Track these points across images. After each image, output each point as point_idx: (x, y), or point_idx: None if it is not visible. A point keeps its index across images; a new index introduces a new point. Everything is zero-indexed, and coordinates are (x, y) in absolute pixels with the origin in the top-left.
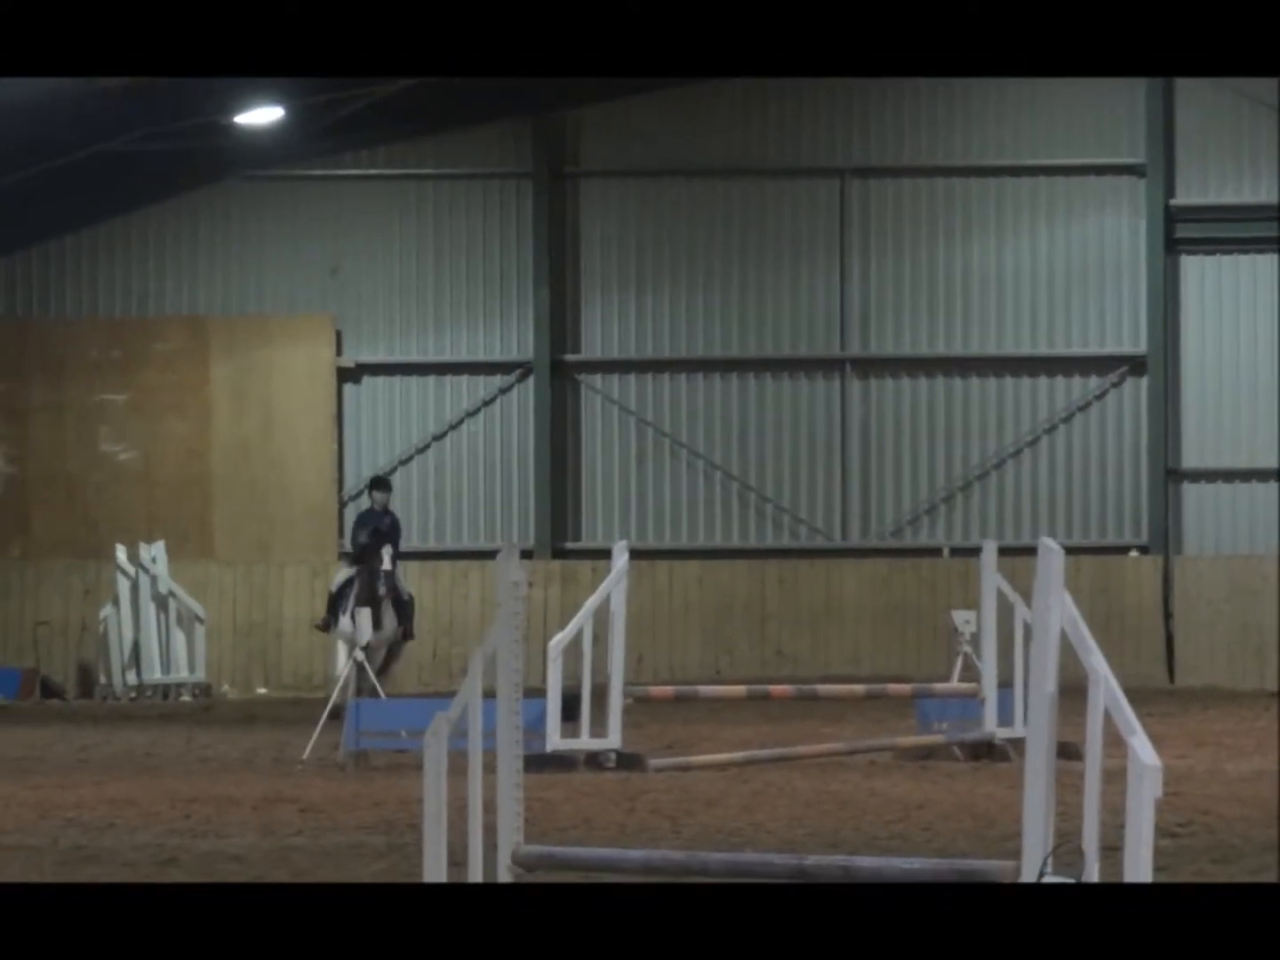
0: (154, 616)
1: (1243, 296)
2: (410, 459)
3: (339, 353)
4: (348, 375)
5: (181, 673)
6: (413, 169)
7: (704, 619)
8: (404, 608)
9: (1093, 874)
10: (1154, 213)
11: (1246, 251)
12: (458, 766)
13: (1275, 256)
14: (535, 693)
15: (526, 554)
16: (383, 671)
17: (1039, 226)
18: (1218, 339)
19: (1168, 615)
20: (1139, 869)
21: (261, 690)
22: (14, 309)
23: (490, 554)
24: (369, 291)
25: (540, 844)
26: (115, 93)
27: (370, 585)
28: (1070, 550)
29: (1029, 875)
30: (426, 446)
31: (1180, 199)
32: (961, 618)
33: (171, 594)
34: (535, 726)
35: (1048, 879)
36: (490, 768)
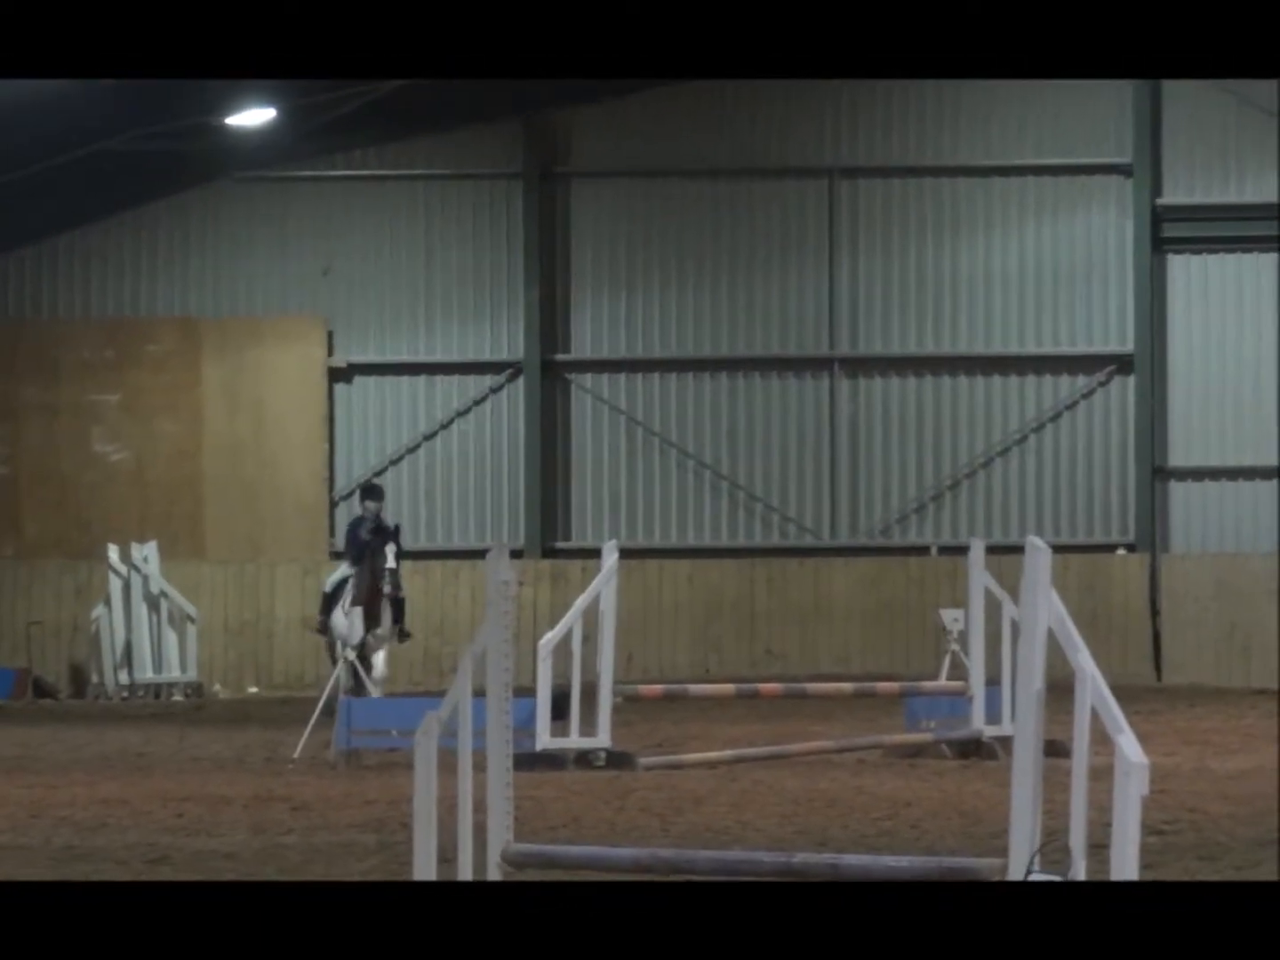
0: (146, 616)
1: (1229, 296)
2: (401, 458)
3: (330, 353)
4: (339, 375)
5: (173, 672)
6: (403, 170)
7: (693, 618)
8: (400, 606)
9: (1079, 871)
10: (1141, 212)
11: (1233, 251)
12: (448, 765)
13: (1261, 256)
14: (525, 691)
15: (516, 553)
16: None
17: (1026, 226)
18: (1204, 338)
19: (1155, 613)
20: (1125, 866)
21: (253, 689)
22: (7, 309)
23: (480, 553)
24: (360, 292)
25: (530, 842)
26: (107, 94)
27: (372, 584)
28: (1058, 548)
29: (1016, 873)
30: (417, 446)
31: (1167, 198)
32: (950, 616)
33: (163, 594)
34: (525, 725)
35: (1035, 876)
36: (480, 766)
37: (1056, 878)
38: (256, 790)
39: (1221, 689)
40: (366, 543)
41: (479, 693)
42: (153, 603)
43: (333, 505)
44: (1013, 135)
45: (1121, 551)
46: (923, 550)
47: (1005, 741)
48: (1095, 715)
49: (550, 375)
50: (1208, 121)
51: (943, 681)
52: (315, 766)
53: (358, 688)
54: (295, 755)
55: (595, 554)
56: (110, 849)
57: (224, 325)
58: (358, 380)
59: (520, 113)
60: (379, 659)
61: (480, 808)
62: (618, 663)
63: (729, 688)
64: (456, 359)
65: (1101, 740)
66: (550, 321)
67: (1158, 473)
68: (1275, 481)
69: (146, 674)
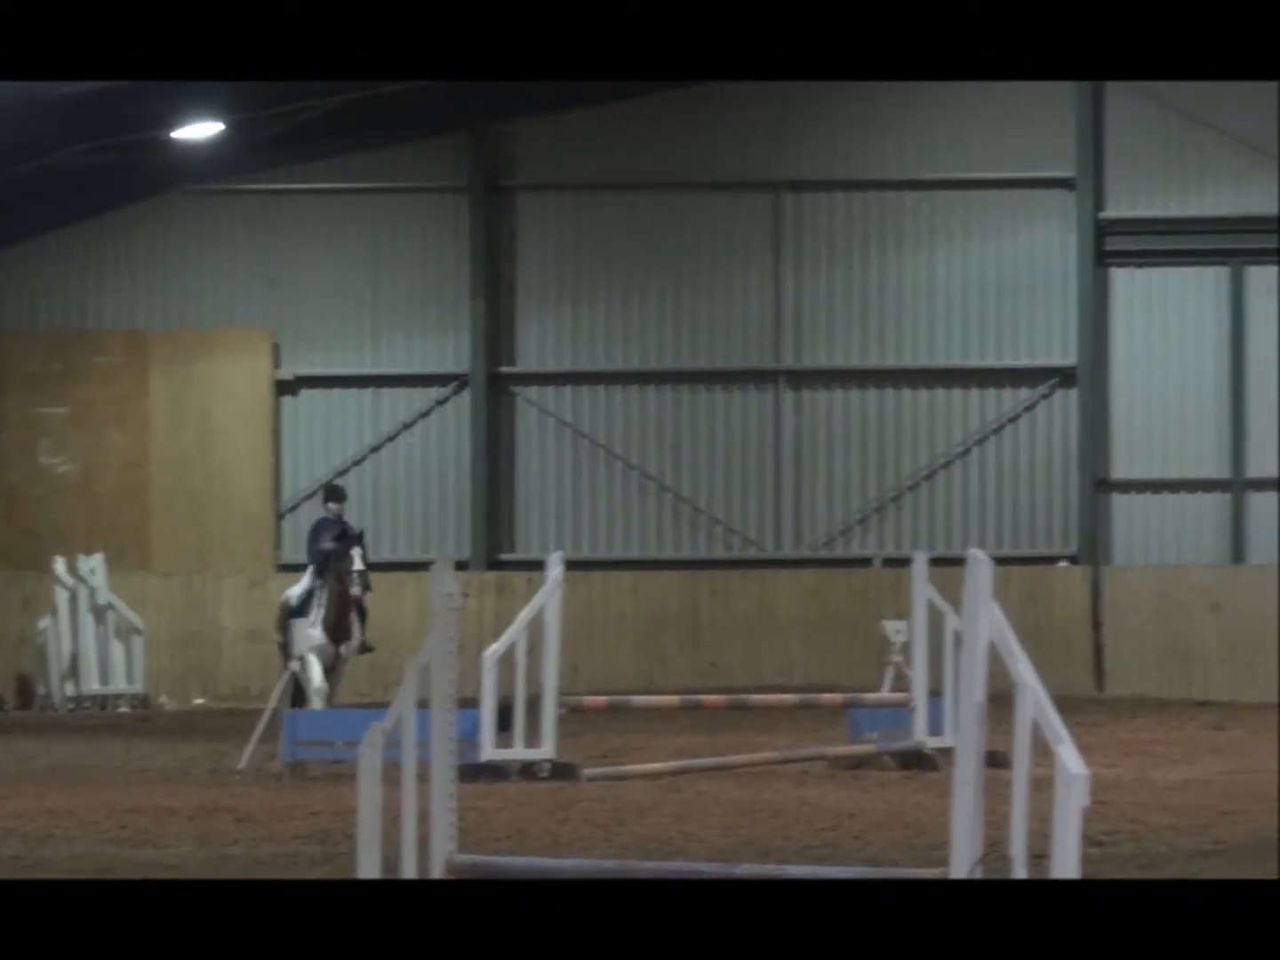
0: (92, 628)
1: (1171, 309)
2: (347, 470)
3: (277, 365)
4: (285, 388)
5: (120, 684)
6: (350, 183)
7: (637, 629)
8: (363, 617)
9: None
10: (1084, 226)
11: (1175, 264)
12: (393, 776)
13: (1203, 269)
14: (470, 703)
15: (462, 565)
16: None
17: (970, 239)
18: (1147, 351)
19: (1096, 625)
20: (1066, 876)
21: (199, 701)
22: None
23: (426, 565)
24: (306, 304)
25: (474, 853)
26: (55, 108)
27: (341, 592)
28: (1000, 560)
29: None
30: (363, 458)
31: (1110, 212)
32: (893, 628)
33: (110, 605)
34: (470, 736)
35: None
36: (424, 778)
37: None
38: (202, 802)
39: (1162, 700)
40: (329, 551)
41: (423, 704)
42: (99, 614)
43: (279, 517)
44: (957, 149)
45: (1063, 563)
46: (866, 562)
47: (947, 752)
48: (1036, 726)
49: (496, 388)
50: (1150, 135)
51: (885, 693)
52: (261, 778)
53: (298, 699)
54: (241, 767)
55: (540, 566)
56: (56, 860)
57: (171, 337)
58: (304, 393)
59: (466, 126)
60: (316, 671)
61: (424, 819)
62: (562, 674)
63: (673, 699)
64: (402, 371)
65: (1042, 751)
66: (496, 334)
67: (1100, 485)
68: (1217, 494)
69: (93, 685)
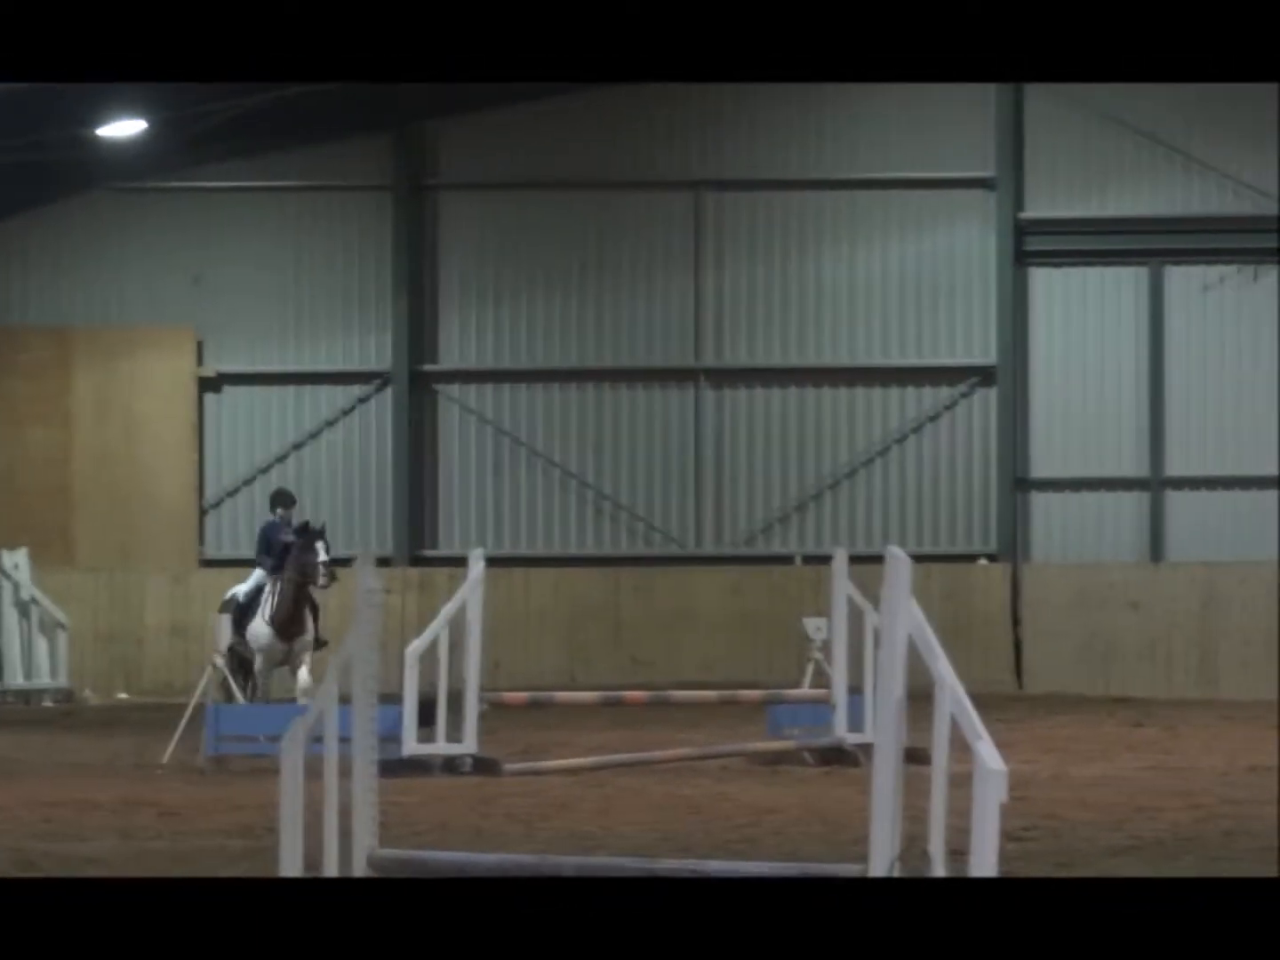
0: (16, 623)
1: (1090, 308)
2: (270, 467)
3: (200, 362)
4: (209, 384)
5: (43, 678)
6: (274, 181)
7: (559, 626)
8: (316, 613)
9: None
10: (1003, 226)
11: (1093, 264)
12: (315, 771)
13: (1122, 269)
14: (392, 699)
15: (384, 561)
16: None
17: (890, 239)
18: (1066, 350)
19: (1015, 622)
20: (984, 871)
21: (123, 695)
22: None
23: (348, 561)
24: (230, 302)
25: (396, 848)
26: None
27: (300, 584)
28: (920, 558)
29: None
30: (286, 455)
31: (1029, 212)
32: (813, 625)
33: (34, 600)
34: (392, 732)
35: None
36: (347, 773)
37: None
38: (125, 795)
39: (1081, 697)
40: (289, 544)
41: (346, 700)
42: (23, 609)
43: (202, 514)
44: (877, 149)
45: (983, 561)
46: (786, 559)
47: (867, 749)
48: (955, 723)
49: (418, 385)
50: (1069, 136)
51: (805, 689)
52: (184, 772)
53: (230, 695)
54: (164, 761)
55: (462, 562)
56: None
57: (95, 335)
58: (227, 390)
59: (390, 126)
60: (303, 670)
61: (346, 813)
62: (484, 670)
63: (594, 695)
64: (325, 369)
65: (962, 747)
66: (419, 332)
67: (1019, 483)
68: (1136, 492)
69: (17, 680)
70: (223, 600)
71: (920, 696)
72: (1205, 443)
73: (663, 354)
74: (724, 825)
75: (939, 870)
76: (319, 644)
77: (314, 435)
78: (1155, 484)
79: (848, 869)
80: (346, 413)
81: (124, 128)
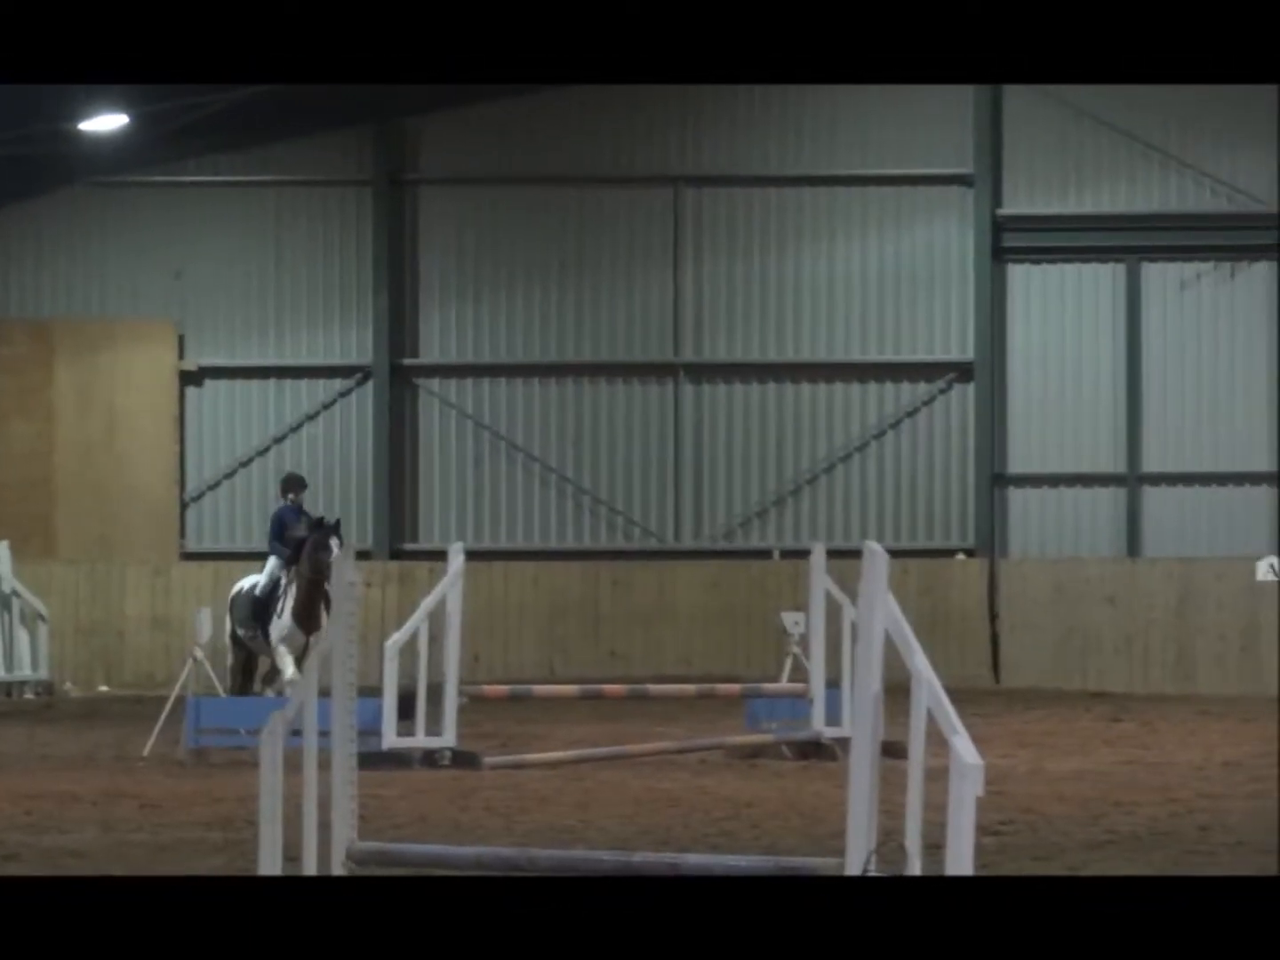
0: None
1: (1068, 305)
2: (250, 461)
3: (181, 356)
4: (190, 378)
5: (24, 670)
6: (255, 175)
7: (538, 619)
8: (329, 606)
9: (915, 871)
10: (981, 222)
11: (1071, 261)
12: (295, 764)
13: (1099, 265)
14: (372, 692)
15: (364, 555)
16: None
17: (869, 235)
18: (1043, 347)
19: (993, 617)
20: (961, 866)
21: (103, 688)
22: None
23: None
24: (211, 296)
25: (375, 840)
26: None
27: (315, 581)
28: (898, 553)
29: (853, 872)
30: (267, 449)
31: (1007, 209)
32: (791, 619)
33: (14, 593)
34: (372, 725)
35: (871, 876)
36: (326, 765)
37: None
38: (106, 788)
39: (1058, 691)
40: (303, 539)
41: (326, 693)
42: (4, 601)
43: (183, 507)
44: (856, 145)
45: (960, 556)
46: (765, 554)
47: (845, 743)
48: (931, 717)
49: (399, 379)
50: (1047, 133)
51: (783, 683)
52: (164, 764)
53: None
54: (145, 753)
55: (442, 556)
56: None
57: (76, 328)
58: (208, 383)
59: (370, 121)
60: (288, 662)
61: (326, 806)
62: (463, 663)
63: (573, 688)
64: (306, 363)
65: (938, 742)
66: (399, 326)
67: (996, 479)
68: (1113, 488)
69: None
70: (232, 593)
71: (897, 691)
72: (1182, 439)
73: (642, 349)
74: (702, 819)
75: (915, 864)
76: None
77: (294, 429)
78: (1132, 480)
79: (825, 863)
80: (327, 406)
81: (105, 122)
